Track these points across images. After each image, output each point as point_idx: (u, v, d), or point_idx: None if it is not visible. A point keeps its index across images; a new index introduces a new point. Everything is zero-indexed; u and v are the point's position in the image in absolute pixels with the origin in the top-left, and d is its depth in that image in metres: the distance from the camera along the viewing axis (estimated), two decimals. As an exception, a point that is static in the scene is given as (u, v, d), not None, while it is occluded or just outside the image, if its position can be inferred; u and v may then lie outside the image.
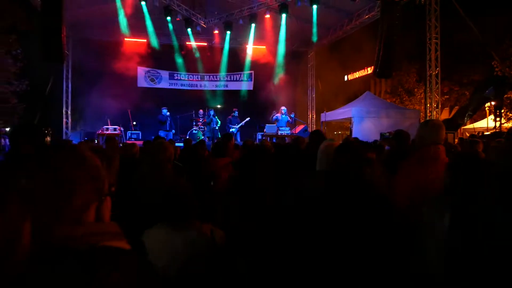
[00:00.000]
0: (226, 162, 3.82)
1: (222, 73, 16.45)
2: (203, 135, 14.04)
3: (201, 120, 14.67)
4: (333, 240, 1.74)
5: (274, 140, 12.25)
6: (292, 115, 12.95)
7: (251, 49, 15.83)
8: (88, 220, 0.97)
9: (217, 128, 13.54)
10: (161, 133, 12.95)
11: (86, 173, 0.98)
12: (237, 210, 2.39)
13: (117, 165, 1.54)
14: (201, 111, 14.99)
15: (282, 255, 1.84)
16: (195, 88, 16.61)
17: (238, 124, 13.94)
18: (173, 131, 13.46)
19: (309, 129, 16.04)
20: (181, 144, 9.71)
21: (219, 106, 16.01)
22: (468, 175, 1.70)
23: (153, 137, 6.95)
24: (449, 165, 1.83)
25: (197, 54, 15.67)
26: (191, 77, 16.36)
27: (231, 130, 13.70)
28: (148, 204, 2.23)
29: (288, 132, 12.65)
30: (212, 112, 13.54)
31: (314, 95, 17.65)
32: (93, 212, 0.99)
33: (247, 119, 13.85)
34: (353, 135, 11.93)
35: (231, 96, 16.26)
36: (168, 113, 13.28)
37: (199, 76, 16.46)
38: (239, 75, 16.68)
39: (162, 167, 2.83)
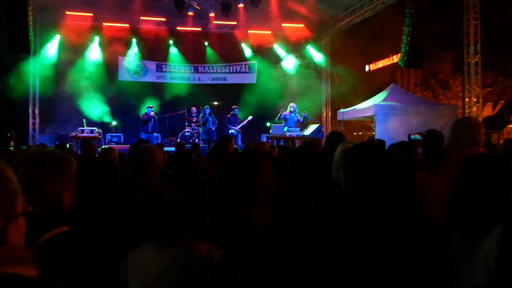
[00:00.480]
0: None
1: (220, 64, 16.67)
2: (197, 137, 14.16)
3: (194, 120, 14.72)
4: (353, 268, 1.73)
5: (281, 143, 12.35)
6: (304, 114, 13.07)
7: (254, 35, 15.94)
8: None
9: (213, 129, 13.66)
10: (142, 136, 13.20)
11: None
12: (227, 224, 2.49)
13: (71, 174, 1.52)
14: (194, 109, 15.00)
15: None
16: (187, 81, 16.69)
17: (238, 125, 14.06)
18: (156, 134, 13.63)
19: (324, 130, 16.20)
20: (172, 149, 9.70)
21: (216, 103, 16.12)
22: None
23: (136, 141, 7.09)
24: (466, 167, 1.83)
25: (190, 42, 15.95)
26: (182, 69, 16.60)
27: (230, 131, 13.81)
28: (132, 219, 2.27)
29: (298, 133, 12.78)
30: (207, 110, 13.59)
31: (329, 89, 17.85)
32: None
33: (250, 118, 13.95)
34: (377, 137, 12.09)
35: (230, 91, 16.38)
36: (152, 113, 13.49)
37: (192, 68, 16.72)
38: (240, 66, 16.91)
39: (148, 175, 2.87)
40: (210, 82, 16.87)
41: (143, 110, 13.99)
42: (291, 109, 13.06)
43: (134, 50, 15.66)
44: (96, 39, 14.96)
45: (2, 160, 1.02)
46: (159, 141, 13.37)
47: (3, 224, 0.98)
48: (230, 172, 2.72)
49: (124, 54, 15.70)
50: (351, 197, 1.87)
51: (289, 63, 16.65)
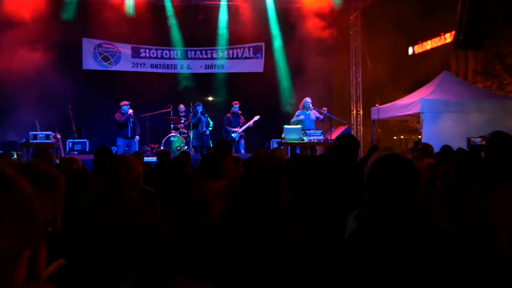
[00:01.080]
0: (222, 187, 3.92)
1: (218, 47, 16.71)
2: (186, 144, 14.15)
3: (183, 121, 14.69)
4: None
5: (297, 151, 12.38)
6: (324, 111, 13.15)
7: (265, 9, 15.90)
8: (15, 281, 1.00)
9: (207, 132, 13.71)
10: (119, 142, 13.10)
11: (10, 205, 1.01)
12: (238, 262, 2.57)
13: (63, 192, 1.61)
14: (182, 106, 14.98)
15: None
16: (174, 70, 16.63)
17: (241, 126, 14.10)
18: (138, 138, 13.70)
19: (354, 132, 16.21)
20: (153, 159, 9.75)
21: (211, 98, 16.28)
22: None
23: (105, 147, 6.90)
24: None
25: (181, 19, 16.01)
26: (166, 54, 16.58)
27: (231, 135, 13.87)
28: (103, 250, 2.30)
29: (320, 137, 12.70)
30: (200, 108, 13.60)
31: (360, 79, 17.73)
32: (23, 266, 1.02)
33: (256, 118, 13.94)
34: (424, 140, 11.94)
35: (230, 83, 16.32)
36: (130, 111, 13.44)
37: (179, 53, 16.75)
38: (243, 49, 16.92)
39: (124, 195, 2.89)
40: (203, 70, 16.80)
41: (116, 108, 13.86)
42: (309, 106, 13.04)
43: (103, 28, 15.45)
44: (50, 12, 14.56)
45: (23, 180, 1.08)
46: (137, 148, 13.38)
47: (32, 253, 1.05)
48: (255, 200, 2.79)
49: (89, 34, 15.74)
50: (376, 228, 1.98)
51: (308, 45, 16.24)
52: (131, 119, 13.32)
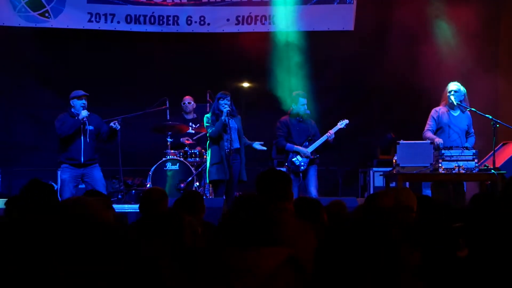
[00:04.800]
0: (279, 262, 3.01)
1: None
2: (198, 177, 11.01)
3: (191, 129, 11.15)
4: None
5: (426, 191, 10.46)
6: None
7: None
8: None
9: (242, 151, 10.06)
10: (65, 173, 10.01)
11: None
12: None
13: None
14: (188, 99, 11.28)
15: None
16: (172, 29, 12.30)
17: (311, 141, 10.40)
18: (94, 165, 10.35)
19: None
20: (132, 208, 9.17)
21: (247, 85, 12.97)
22: None
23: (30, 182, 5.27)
24: None
25: None
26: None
27: (291, 159, 10.41)
28: None
29: (472, 162, 9.67)
30: (226, 106, 9.75)
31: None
32: None
33: (342, 123, 10.39)
34: None
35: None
36: (86, 114, 9.97)
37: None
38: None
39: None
40: (230, 29, 12.12)
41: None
42: (463, 97, 9.88)
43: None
44: None
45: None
46: (103, 189, 9.96)
47: None
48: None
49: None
50: None
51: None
52: (89, 128, 9.86)
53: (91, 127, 9.63)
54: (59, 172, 10.14)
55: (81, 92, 9.64)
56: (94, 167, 9.68)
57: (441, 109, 9.47)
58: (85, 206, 2.92)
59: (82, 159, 9.52)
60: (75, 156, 9.53)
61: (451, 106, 9.32)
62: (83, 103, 9.58)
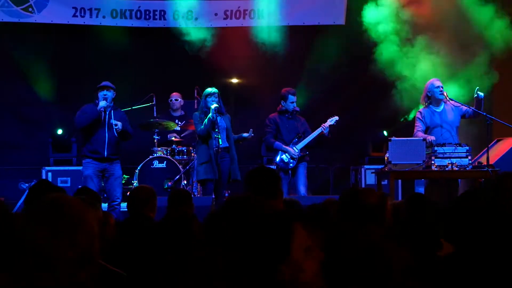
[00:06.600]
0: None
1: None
2: (186, 175, 11.01)
3: (178, 127, 11.15)
4: None
5: (419, 188, 10.96)
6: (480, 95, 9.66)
7: None
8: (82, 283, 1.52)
9: (233, 150, 9.93)
10: (88, 169, 9.99)
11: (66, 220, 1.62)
12: None
13: None
14: (175, 96, 11.42)
15: None
16: (160, 23, 12.36)
17: (301, 139, 10.30)
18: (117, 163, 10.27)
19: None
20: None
21: (236, 80, 12.92)
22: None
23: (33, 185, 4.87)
24: None
25: None
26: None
27: (280, 157, 10.26)
28: None
29: (465, 159, 9.69)
30: (213, 102, 9.64)
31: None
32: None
33: (332, 120, 10.28)
34: None
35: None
36: (104, 105, 10.02)
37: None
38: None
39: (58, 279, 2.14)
40: (219, 23, 12.08)
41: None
42: (440, 93, 9.68)
43: None
44: None
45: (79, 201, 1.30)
46: (119, 187, 9.95)
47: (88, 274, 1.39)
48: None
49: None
50: None
51: None
52: (113, 122, 9.74)
53: (115, 122, 9.41)
54: (81, 168, 9.91)
55: (104, 83, 9.54)
56: (117, 163, 9.55)
57: (425, 110, 9.40)
58: (76, 203, 2.61)
59: (106, 153, 9.31)
60: (98, 149, 9.35)
61: (436, 103, 9.25)
62: (104, 94, 9.39)
